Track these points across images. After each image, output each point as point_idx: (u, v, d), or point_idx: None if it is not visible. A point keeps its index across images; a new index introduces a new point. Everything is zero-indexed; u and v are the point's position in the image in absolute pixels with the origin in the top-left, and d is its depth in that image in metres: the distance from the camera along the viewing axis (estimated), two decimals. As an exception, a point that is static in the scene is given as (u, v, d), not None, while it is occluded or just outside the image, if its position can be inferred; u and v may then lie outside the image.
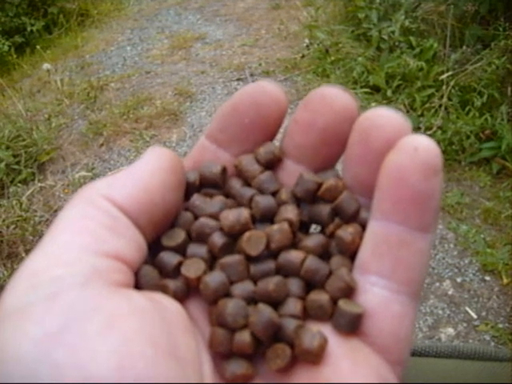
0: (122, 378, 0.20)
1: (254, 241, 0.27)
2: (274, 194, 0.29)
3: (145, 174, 0.26)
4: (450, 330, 1.74)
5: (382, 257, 0.25)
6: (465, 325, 1.75)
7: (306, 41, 3.23)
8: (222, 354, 0.25)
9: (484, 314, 1.77)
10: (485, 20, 2.71)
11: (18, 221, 2.25)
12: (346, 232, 0.27)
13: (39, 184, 2.50)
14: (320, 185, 0.28)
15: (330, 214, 0.28)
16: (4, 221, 2.27)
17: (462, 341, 1.68)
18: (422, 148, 0.24)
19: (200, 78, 3.25)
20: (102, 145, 2.77)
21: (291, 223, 0.27)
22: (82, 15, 4.24)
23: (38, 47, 3.63)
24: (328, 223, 0.28)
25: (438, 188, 0.24)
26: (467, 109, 2.41)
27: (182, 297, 0.26)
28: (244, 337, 0.25)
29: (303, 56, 3.19)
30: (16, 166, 2.57)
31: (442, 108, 2.42)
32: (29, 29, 3.81)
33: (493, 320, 1.75)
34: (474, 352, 0.40)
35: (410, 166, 0.24)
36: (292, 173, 0.29)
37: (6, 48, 3.62)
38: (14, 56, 3.61)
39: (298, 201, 0.29)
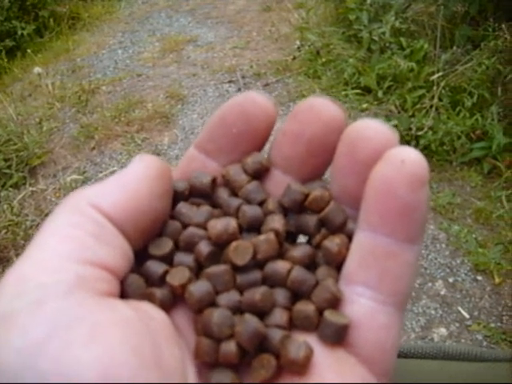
0: None
1: (241, 251, 0.27)
2: (261, 203, 0.29)
3: (132, 182, 0.26)
4: (443, 330, 1.74)
5: (369, 268, 0.25)
6: (457, 325, 1.75)
7: (297, 43, 3.24)
8: (207, 364, 0.25)
9: (476, 313, 1.78)
10: (474, 20, 2.72)
11: (9, 225, 2.24)
12: (333, 243, 0.26)
13: (30, 188, 2.49)
14: (307, 195, 0.28)
15: (317, 225, 0.28)
16: (-5, 225, 2.26)
17: (455, 341, 1.68)
18: (408, 160, 0.24)
19: (191, 80, 3.25)
20: (93, 148, 2.77)
21: (277, 233, 0.27)
22: (73, 18, 4.22)
23: (28, 51, 3.62)
24: (315, 234, 0.28)
25: (425, 200, 0.24)
26: (458, 109, 2.42)
27: (168, 306, 0.26)
28: (230, 347, 0.25)
29: (294, 58, 3.20)
30: (7, 170, 2.56)
31: (433, 108, 2.43)
32: (19, 32, 3.80)
33: (485, 320, 1.75)
34: (460, 353, 0.40)
35: (396, 178, 0.24)
36: (279, 183, 0.29)
37: (-4, 52, 3.61)
38: (5, 60, 3.60)
39: (284, 211, 0.29)
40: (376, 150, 0.25)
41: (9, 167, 2.57)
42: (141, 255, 0.27)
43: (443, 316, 1.78)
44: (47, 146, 2.80)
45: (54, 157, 2.74)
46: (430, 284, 1.89)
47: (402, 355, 0.40)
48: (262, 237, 0.27)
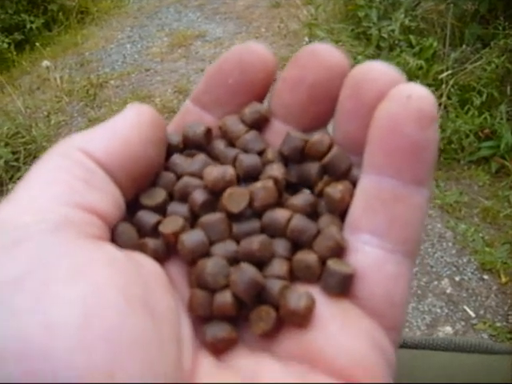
0: (87, 327, 0.18)
1: (236, 198, 0.25)
2: (260, 153, 0.27)
3: (124, 128, 0.25)
4: (448, 329, 1.74)
5: (375, 213, 0.23)
6: (463, 323, 1.75)
7: (306, 39, 3.23)
8: (202, 318, 0.23)
9: (482, 312, 1.77)
10: (484, 19, 2.70)
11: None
12: (335, 189, 0.25)
13: (38, 181, 2.49)
14: (307, 142, 0.26)
15: (319, 172, 0.26)
16: (3, 217, 2.27)
17: (460, 339, 1.68)
18: (415, 96, 0.22)
19: (200, 75, 3.24)
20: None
21: (276, 181, 0.25)
22: (82, 13, 4.22)
23: (37, 44, 3.62)
24: (317, 181, 0.26)
25: (434, 138, 0.22)
26: (466, 108, 2.40)
27: (161, 257, 0.25)
28: (225, 297, 0.23)
29: (303, 54, 3.19)
30: (15, 163, 2.56)
31: (442, 107, 2.42)
32: (28, 26, 3.80)
33: (491, 319, 1.75)
34: (470, 345, 0.40)
35: (402, 115, 0.22)
36: (280, 133, 0.27)
37: (5, 45, 3.61)
38: (14, 53, 3.60)
39: (285, 161, 0.27)
40: (382, 92, 0.23)
41: (17, 160, 2.58)
42: (132, 207, 0.26)
43: (449, 314, 1.78)
44: (55, 140, 2.80)
45: (61, 150, 2.74)
46: (435, 282, 1.88)
47: (413, 346, 0.40)
48: (259, 183, 0.25)
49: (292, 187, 0.27)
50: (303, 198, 0.26)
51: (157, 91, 3.13)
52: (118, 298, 0.19)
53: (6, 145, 2.61)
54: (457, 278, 1.89)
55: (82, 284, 0.19)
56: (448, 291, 1.85)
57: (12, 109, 2.92)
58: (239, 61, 0.27)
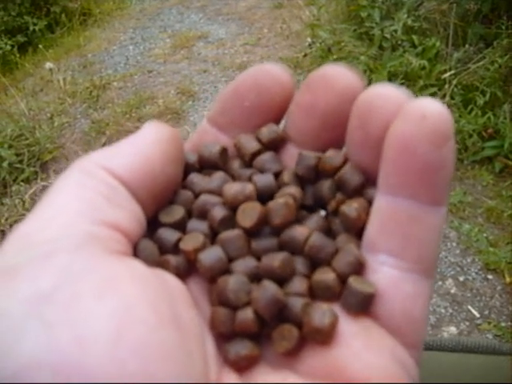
0: (118, 343, 0.18)
1: (248, 212, 0.25)
2: (277, 175, 0.27)
3: (144, 145, 0.25)
4: (453, 329, 1.73)
5: (391, 234, 0.23)
6: (467, 323, 1.74)
7: (309, 40, 3.22)
8: (224, 335, 0.24)
9: (486, 312, 1.77)
10: (487, 19, 2.70)
11: (20, 219, 2.24)
12: (351, 207, 0.24)
13: (42, 183, 2.50)
14: (320, 159, 0.26)
15: (331, 188, 0.26)
16: (7, 219, 2.28)
17: (465, 339, 1.67)
18: (429, 114, 0.21)
19: (202, 76, 3.25)
20: (104, 144, 2.77)
21: (295, 199, 0.25)
22: (85, 14, 4.23)
23: (40, 46, 3.63)
24: (330, 199, 0.26)
25: (450, 157, 0.22)
26: (470, 107, 2.40)
27: (183, 274, 0.25)
28: (247, 314, 0.23)
29: (305, 55, 3.19)
30: (19, 165, 2.57)
31: (445, 107, 2.41)
32: (31, 28, 3.81)
33: (495, 319, 1.75)
34: (478, 345, 0.40)
35: (417, 135, 0.21)
36: (295, 156, 0.27)
37: (8, 47, 3.62)
38: (17, 55, 3.61)
39: (300, 183, 0.27)
40: (389, 121, 0.23)
41: (20, 162, 2.58)
42: (151, 225, 0.26)
43: (453, 315, 1.78)
44: (58, 141, 2.81)
45: (65, 152, 2.75)
46: (440, 282, 1.88)
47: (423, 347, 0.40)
48: (280, 199, 0.25)
49: (308, 209, 0.27)
50: (315, 219, 0.26)
51: (159, 92, 3.14)
52: (147, 312, 0.20)
53: (10, 147, 2.62)
54: (461, 278, 1.89)
55: (111, 299, 0.19)
56: (452, 291, 1.85)
57: (15, 111, 2.93)
58: (255, 83, 0.27)
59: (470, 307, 1.79)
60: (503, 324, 1.73)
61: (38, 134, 2.71)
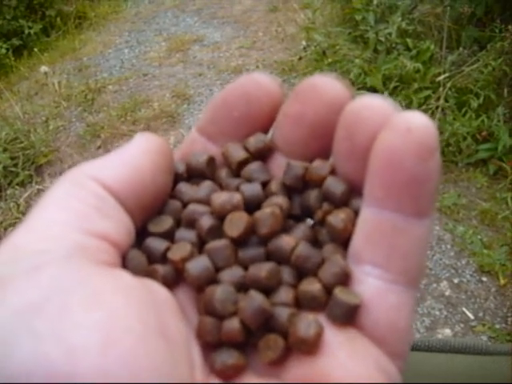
0: (105, 353, 0.19)
1: (235, 222, 0.25)
2: (265, 185, 0.27)
3: (134, 156, 0.25)
4: (447, 331, 1.74)
5: (376, 245, 0.23)
6: (462, 325, 1.75)
7: (304, 43, 3.23)
8: (210, 345, 0.24)
9: (481, 314, 1.78)
10: (481, 22, 2.71)
11: (15, 223, 2.24)
12: (337, 218, 0.25)
13: (37, 186, 2.50)
14: (307, 168, 0.26)
15: (318, 198, 0.26)
16: (1, 223, 2.27)
17: (459, 341, 1.68)
18: (415, 128, 0.22)
19: (197, 80, 3.25)
20: (99, 147, 2.77)
21: (281, 208, 0.25)
22: (80, 18, 4.23)
23: (35, 50, 3.63)
24: (316, 208, 0.26)
25: (435, 170, 0.22)
26: (464, 110, 2.41)
27: (170, 283, 0.25)
28: (233, 324, 0.23)
29: (300, 58, 3.20)
30: (13, 169, 2.57)
31: (439, 109, 2.42)
32: (26, 31, 3.81)
33: (490, 321, 1.75)
34: (465, 346, 0.40)
35: (402, 148, 0.22)
36: (282, 166, 0.27)
37: (3, 51, 3.61)
38: (12, 59, 3.61)
39: (288, 193, 0.27)
40: (375, 133, 0.23)
41: (15, 165, 2.58)
42: (140, 235, 0.26)
43: (448, 317, 1.78)
44: (53, 145, 2.81)
45: (60, 155, 2.75)
46: (434, 285, 1.88)
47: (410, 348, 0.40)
48: (267, 209, 0.25)
49: (295, 219, 0.27)
50: (302, 229, 0.26)
51: (155, 96, 3.14)
52: (134, 323, 0.20)
53: (5, 150, 2.61)
54: (455, 281, 1.89)
55: (99, 310, 0.19)
56: (447, 293, 1.85)
57: (10, 114, 2.93)
58: (244, 93, 0.27)
59: (464, 309, 1.80)
60: (497, 326, 1.73)
61: (33, 138, 2.71)
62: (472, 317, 1.77)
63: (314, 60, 3.11)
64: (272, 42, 3.56)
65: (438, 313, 1.79)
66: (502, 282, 1.86)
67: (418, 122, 0.22)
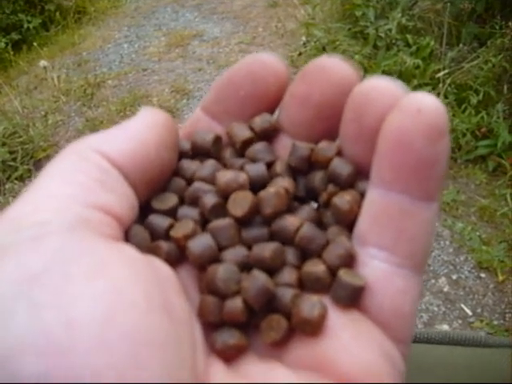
0: (107, 326, 0.18)
1: (239, 201, 0.24)
2: (269, 165, 0.27)
3: (139, 130, 0.25)
4: (446, 327, 1.74)
5: (383, 228, 0.23)
6: (460, 321, 1.75)
7: (303, 38, 3.23)
8: (212, 324, 0.23)
9: (479, 310, 1.78)
10: (481, 18, 2.71)
11: (14, 217, 2.24)
12: (343, 200, 0.24)
13: (36, 181, 2.49)
14: (313, 150, 0.26)
15: (323, 180, 0.25)
16: (0, 217, 2.26)
17: (457, 337, 1.68)
18: (425, 109, 0.21)
19: (197, 75, 3.25)
20: (98, 142, 2.77)
21: (287, 191, 0.25)
22: (79, 12, 4.22)
23: (34, 44, 3.61)
24: (322, 190, 0.26)
25: (445, 152, 0.22)
26: (463, 107, 2.41)
27: (174, 260, 0.24)
28: (236, 304, 0.23)
29: (300, 54, 3.19)
30: (12, 163, 2.56)
31: (439, 106, 2.42)
32: (25, 26, 3.79)
33: (488, 317, 1.75)
34: (465, 338, 0.40)
35: (412, 130, 0.21)
36: (288, 147, 0.26)
37: (2, 45, 3.60)
38: (11, 53, 3.59)
39: (293, 174, 0.26)
40: (384, 114, 0.23)
41: (14, 160, 2.58)
42: (143, 211, 0.25)
43: (446, 313, 1.78)
44: (52, 139, 2.80)
45: (59, 150, 2.71)
46: (433, 281, 1.88)
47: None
48: (271, 189, 0.24)
49: (300, 201, 0.26)
50: (307, 210, 0.25)
51: (154, 91, 3.13)
52: (137, 297, 0.19)
53: (4, 145, 2.61)
54: (454, 277, 1.89)
55: (102, 282, 0.19)
56: (445, 289, 1.86)
57: (9, 109, 2.92)
58: (250, 73, 0.26)
59: (462, 305, 1.80)
60: (495, 322, 1.73)
61: (32, 132, 2.70)
62: (470, 313, 1.77)
63: (314, 56, 3.09)
64: (272, 38, 3.55)
65: (436, 309, 1.80)
66: (501, 278, 1.86)
67: (428, 103, 0.21)
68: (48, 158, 2.68)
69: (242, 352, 0.23)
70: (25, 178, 2.55)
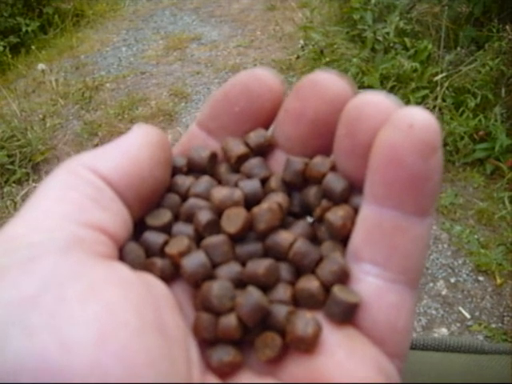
0: (101, 347, 0.18)
1: (233, 218, 0.24)
2: (264, 181, 0.27)
3: (133, 147, 0.25)
4: (444, 330, 1.74)
5: (376, 244, 0.23)
6: (458, 325, 1.75)
7: (301, 42, 3.23)
8: (207, 341, 0.23)
9: (477, 314, 1.78)
10: (479, 21, 2.71)
11: (12, 221, 2.24)
12: (336, 215, 0.24)
13: (34, 184, 2.49)
14: (307, 164, 0.26)
15: (318, 195, 0.25)
16: (-2, 221, 2.27)
17: (456, 341, 1.68)
18: (417, 124, 0.21)
19: (195, 78, 3.25)
20: (96, 145, 2.76)
21: (280, 206, 0.25)
22: (78, 15, 4.23)
23: (33, 47, 3.62)
24: (316, 205, 0.25)
25: (437, 168, 0.22)
26: (461, 110, 2.41)
27: (168, 277, 0.24)
28: (230, 321, 0.23)
29: (298, 57, 3.20)
30: (10, 166, 2.56)
31: (436, 109, 2.42)
32: (24, 29, 3.80)
33: (486, 320, 1.75)
34: (461, 345, 0.40)
35: (404, 145, 0.21)
36: (283, 163, 0.26)
37: (0, 48, 3.60)
38: (9, 56, 3.60)
39: (288, 189, 0.26)
40: (377, 130, 0.22)
41: (12, 163, 2.58)
42: (138, 228, 0.25)
43: (444, 316, 1.78)
44: (50, 143, 2.80)
45: (57, 153, 2.74)
46: (431, 284, 1.88)
47: None
48: (264, 205, 0.24)
49: (295, 216, 0.26)
50: (301, 226, 0.25)
51: (152, 94, 3.13)
52: (130, 317, 0.19)
53: (2, 148, 2.61)
54: (452, 280, 1.89)
55: (95, 303, 0.19)
56: (443, 293, 1.86)
57: (7, 112, 2.92)
58: (246, 89, 0.26)
59: (461, 308, 1.80)
60: (494, 325, 1.73)
61: (30, 136, 2.70)
62: (468, 316, 1.77)
63: (312, 59, 3.11)
64: (270, 41, 3.56)
65: (434, 312, 1.80)
66: (499, 281, 1.86)
67: (420, 118, 0.21)
68: (46, 161, 2.68)
69: (238, 369, 0.23)
70: (23, 182, 2.55)
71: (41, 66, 3.23)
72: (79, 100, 3.14)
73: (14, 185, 2.49)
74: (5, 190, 2.45)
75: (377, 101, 0.23)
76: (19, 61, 3.70)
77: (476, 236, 2.02)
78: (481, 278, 1.89)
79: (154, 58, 3.55)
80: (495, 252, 1.93)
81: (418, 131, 0.21)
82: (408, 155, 0.21)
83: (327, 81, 0.25)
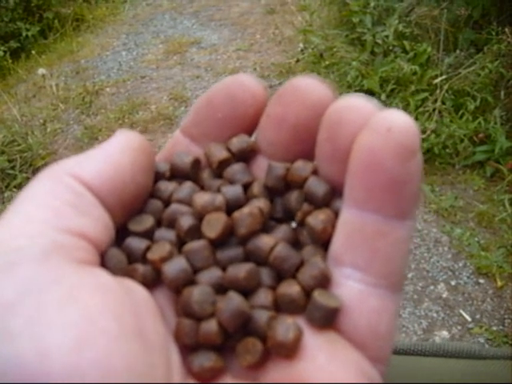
0: (79, 353, 0.18)
1: (213, 223, 0.24)
2: (247, 186, 0.27)
3: (114, 153, 0.25)
4: (445, 333, 1.74)
5: (357, 248, 0.23)
6: (459, 328, 1.75)
7: (301, 45, 3.24)
8: (189, 347, 0.23)
9: (478, 316, 1.78)
10: (478, 24, 2.72)
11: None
12: (317, 219, 0.24)
13: (34, 189, 2.49)
14: (289, 169, 0.26)
15: (299, 199, 0.25)
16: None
17: (457, 343, 1.68)
18: (395, 128, 0.21)
19: (195, 82, 3.25)
20: (97, 149, 2.77)
21: (262, 211, 0.25)
22: (78, 20, 4.23)
23: (33, 52, 3.63)
24: (297, 210, 0.25)
25: (416, 171, 0.21)
26: (461, 112, 2.42)
27: (150, 283, 0.24)
28: (211, 326, 0.23)
29: (298, 60, 3.20)
30: (11, 171, 2.56)
31: (436, 112, 2.43)
32: (24, 34, 3.80)
33: (487, 323, 1.75)
34: (459, 350, 0.40)
35: (382, 149, 0.21)
36: (266, 168, 0.26)
37: (1, 53, 3.61)
38: (10, 61, 3.60)
39: (270, 195, 0.27)
40: (357, 134, 0.22)
41: (13, 168, 2.58)
42: (120, 234, 0.25)
43: (445, 319, 1.78)
44: (51, 147, 2.81)
45: (57, 158, 2.74)
46: (432, 287, 1.88)
47: (402, 352, 0.40)
48: (245, 209, 0.24)
49: (277, 221, 0.26)
50: (283, 230, 0.25)
51: (152, 98, 3.14)
52: (109, 323, 0.19)
53: (2, 153, 2.61)
54: (453, 283, 1.89)
55: (74, 310, 0.19)
56: (444, 296, 1.86)
57: (8, 117, 2.93)
58: (229, 95, 0.26)
59: (461, 311, 1.80)
60: (494, 328, 1.73)
61: (31, 140, 2.70)
62: (469, 319, 1.77)
63: (312, 62, 3.11)
64: (269, 45, 3.56)
65: (435, 315, 1.80)
66: (499, 283, 1.86)
67: (398, 122, 0.21)
68: (47, 165, 2.66)
69: (219, 374, 0.23)
70: (23, 186, 2.52)
71: (41, 70, 3.24)
72: (79, 104, 3.15)
73: (14, 190, 2.49)
74: (5, 194, 2.46)
75: (357, 105, 0.23)
76: (19, 65, 3.70)
77: (476, 238, 2.02)
78: (481, 281, 1.89)
79: (153, 62, 3.55)
80: (496, 254, 1.93)
81: (397, 135, 0.21)
82: (387, 159, 0.21)
83: (308, 86, 0.25)
